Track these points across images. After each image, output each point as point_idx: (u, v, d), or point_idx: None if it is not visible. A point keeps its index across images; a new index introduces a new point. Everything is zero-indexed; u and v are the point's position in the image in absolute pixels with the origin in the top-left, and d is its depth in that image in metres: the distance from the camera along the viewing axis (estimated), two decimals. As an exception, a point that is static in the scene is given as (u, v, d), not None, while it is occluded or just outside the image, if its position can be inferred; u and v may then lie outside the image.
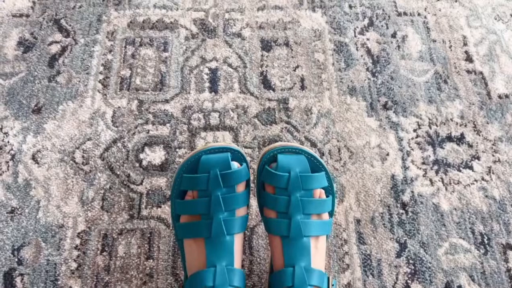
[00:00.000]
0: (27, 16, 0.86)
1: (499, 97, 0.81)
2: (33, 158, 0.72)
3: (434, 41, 0.87)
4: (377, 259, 0.67)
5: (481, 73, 0.84)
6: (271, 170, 0.53)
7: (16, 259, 0.64)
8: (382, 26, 0.88)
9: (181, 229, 0.54)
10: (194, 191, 0.53)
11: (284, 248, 0.52)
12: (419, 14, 0.90)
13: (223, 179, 0.51)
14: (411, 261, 0.67)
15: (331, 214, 0.57)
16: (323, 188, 0.55)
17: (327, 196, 0.56)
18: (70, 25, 0.85)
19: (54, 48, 0.82)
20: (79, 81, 0.79)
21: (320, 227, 0.53)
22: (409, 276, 0.66)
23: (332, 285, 0.53)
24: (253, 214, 0.69)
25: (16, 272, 0.64)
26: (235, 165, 0.53)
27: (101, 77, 0.80)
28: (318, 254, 0.53)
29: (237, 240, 0.53)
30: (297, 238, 0.51)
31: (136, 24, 0.85)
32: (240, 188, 0.54)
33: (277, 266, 0.53)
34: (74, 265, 0.65)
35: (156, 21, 0.86)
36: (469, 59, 0.85)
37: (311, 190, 0.53)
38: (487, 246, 0.68)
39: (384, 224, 0.69)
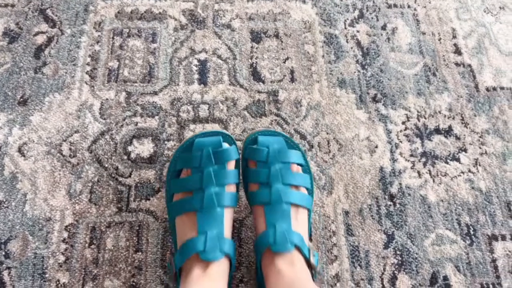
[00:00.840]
0: (12, 6, 0.84)
1: (487, 89, 0.82)
2: (19, 150, 0.71)
3: (424, 33, 0.87)
4: (365, 250, 0.67)
5: (469, 65, 0.84)
6: (252, 147, 0.61)
7: (3, 253, 0.64)
8: (372, 18, 0.88)
9: (174, 207, 0.58)
10: (187, 169, 0.58)
11: (266, 214, 0.56)
12: (409, 6, 0.90)
13: (214, 156, 0.57)
14: (398, 252, 0.68)
15: (310, 192, 0.62)
16: (300, 165, 0.62)
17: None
18: (56, 15, 0.83)
19: (40, 39, 0.81)
20: (65, 73, 0.78)
21: (298, 196, 0.58)
22: (396, 267, 0.67)
23: (314, 255, 0.56)
24: (242, 206, 0.69)
25: (3, 265, 0.63)
26: (226, 145, 0.59)
27: (88, 68, 0.78)
28: (299, 225, 0.57)
29: (227, 214, 0.57)
30: (277, 203, 0.56)
31: (124, 14, 0.84)
32: (231, 166, 0.59)
33: (259, 232, 0.56)
34: (62, 258, 0.64)
35: (145, 12, 0.85)
36: (458, 51, 0.86)
37: (288, 163, 0.60)
38: (472, 237, 0.69)
39: (372, 215, 0.70)
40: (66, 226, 0.66)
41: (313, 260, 0.55)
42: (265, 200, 0.57)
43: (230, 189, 0.58)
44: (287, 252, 0.53)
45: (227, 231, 0.56)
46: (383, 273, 0.66)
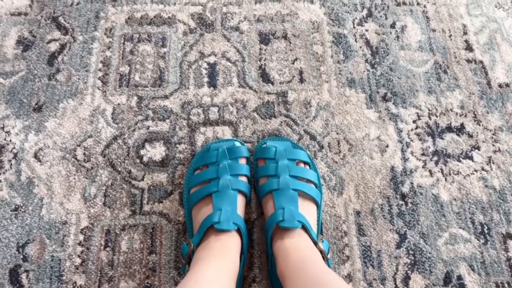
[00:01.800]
0: (26, 14, 0.86)
1: (500, 86, 0.81)
2: (35, 156, 0.73)
3: (434, 30, 0.86)
4: (377, 250, 0.67)
5: (481, 62, 0.83)
6: (262, 146, 0.69)
7: (21, 256, 0.66)
8: (381, 16, 0.88)
9: (192, 196, 0.63)
10: (205, 166, 0.66)
11: (275, 198, 0.61)
12: (418, 4, 0.89)
13: (228, 152, 0.66)
14: (411, 252, 0.67)
15: (317, 188, 0.66)
16: (306, 164, 0.67)
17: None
18: (68, 23, 0.85)
19: (53, 46, 0.82)
20: (78, 79, 0.79)
21: (306, 186, 0.63)
22: (409, 266, 0.66)
23: (322, 241, 0.59)
24: (253, 207, 0.70)
25: (22, 268, 0.65)
26: (238, 144, 0.69)
27: (100, 74, 0.80)
28: (306, 213, 0.60)
29: (240, 199, 0.63)
30: (285, 189, 0.61)
31: (134, 20, 0.85)
32: (242, 161, 0.67)
33: (269, 215, 0.61)
34: (78, 260, 0.66)
35: (154, 17, 0.86)
36: (469, 48, 0.85)
37: (294, 160, 0.66)
38: (487, 235, 0.69)
39: (383, 215, 0.70)
40: (82, 229, 0.68)
41: (321, 245, 0.58)
42: (274, 187, 0.62)
43: (243, 179, 0.65)
44: (294, 229, 0.57)
45: (239, 212, 0.61)
46: (395, 273, 0.66)
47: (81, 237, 0.67)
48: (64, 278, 0.65)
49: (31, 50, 0.82)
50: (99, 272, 0.65)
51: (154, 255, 0.66)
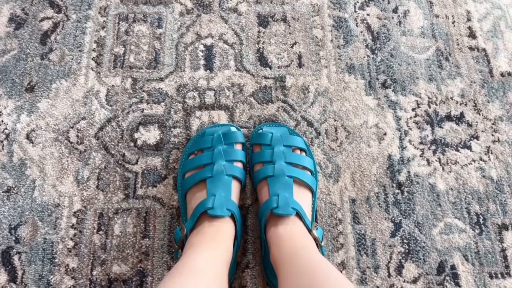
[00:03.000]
0: (18, -9, 0.83)
1: (502, 75, 0.79)
2: (28, 137, 0.72)
3: (437, 16, 0.84)
4: (371, 238, 0.67)
5: (484, 50, 0.81)
6: (258, 132, 0.68)
7: (13, 238, 0.65)
8: (383, 0, 0.85)
9: (186, 181, 0.63)
10: (200, 151, 0.66)
11: (270, 185, 0.60)
12: (422, -12, 0.87)
13: (224, 137, 0.65)
14: (405, 241, 0.67)
15: (313, 175, 0.65)
16: (302, 150, 0.67)
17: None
18: (61, 1, 0.82)
19: (46, 25, 0.80)
20: (72, 59, 0.77)
21: (301, 172, 0.62)
22: (403, 255, 0.66)
23: (316, 228, 0.58)
24: (248, 192, 0.69)
25: (14, 250, 0.65)
26: (233, 129, 0.67)
27: (94, 54, 0.78)
28: (301, 200, 0.60)
29: (235, 185, 0.62)
30: (280, 176, 0.61)
31: (129, -1, 0.83)
32: (238, 146, 0.66)
33: (263, 201, 0.61)
34: (70, 243, 0.65)
35: (150, -4, 0.83)
36: (472, 35, 0.83)
37: (290, 147, 0.65)
38: (482, 226, 0.68)
39: (379, 204, 0.69)
40: (75, 212, 0.67)
41: (315, 232, 0.57)
42: (269, 174, 0.61)
43: (238, 165, 0.64)
44: (288, 216, 0.57)
45: (234, 198, 0.61)
46: (389, 262, 0.66)
47: (74, 220, 0.67)
48: (56, 260, 0.64)
49: (23, 29, 0.80)
50: (91, 255, 0.65)
51: (147, 239, 0.66)
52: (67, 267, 0.64)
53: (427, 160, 0.72)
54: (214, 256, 0.52)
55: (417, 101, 0.77)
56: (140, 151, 0.71)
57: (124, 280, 0.64)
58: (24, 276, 0.63)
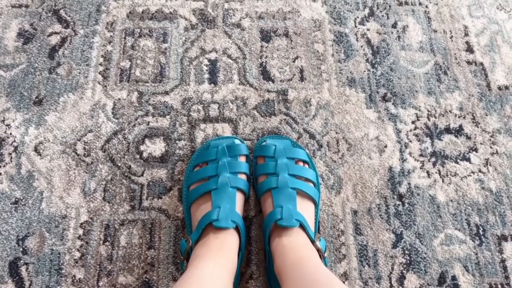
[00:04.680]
0: (27, 6, 0.85)
1: (499, 88, 0.81)
2: (36, 149, 0.73)
3: (435, 31, 0.87)
4: (373, 249, 0.68)
5: (481, 64, 0.83)
6: (261, 144, 0.70)
7: (21, 249, 0.66)
8: (382, 16, 0.88)
9: (191, 193, 0.64)
10: (204, 163, 0.67)
11: (274, 197, 0.62)
12: (420, 4, 0.89)
13: (228, 149, 0.66)
14: (406, 252, 0.68)
15: (316, 187, 0.67)
16: (305, 163, 0.68)
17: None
18: (69, 16, 0.84)
19: (54, 39, 0.82)
20: (79, 73, 0.79)
21: (304, 184, 0.63)
22: (405, 266, 0.67)
23: (320, 239, 0.59)
24: (251, 204, 0.70)
25: (21, 261, 0.66)
26: (237, 141, 0.69)
27: (101, 68, 0.80)
28: (304, 212, 0.61)
29: (239, 197, 0.63)
30: (284, 188, 0.62)
31: (135, 14, 0.85)
32: (242, 159, 0.68)
33: (267, 213, 0.62)
34: (77, 254, 0.66)
35: (155, 11, 0.86)
36: (469, 49, 0.85)
37: (293, 159, 0.67)
38: (482, 237, 0.70)
39: (380, 215, 0.70)
40: (81, 224, 0.68)
41: (318, 243, 0.58)
42: (273, 185, 0.63)
43: (242, 177, 0.66)
44: (292, 228, 0.58)
45: (238, 210, 0.62)
46: (391, 272, 0.67)
47: (81, 231, 0.68)
48: (63, 271, 0.65)
49: (31, 43, 0.82)
50: (98, 266, 0.66)
51: (152, 250, 0.67)
52: (73, 278, 0.65)
53: (427, 172, 0.74)
54: (219, 267, 0.53)
55: (416, 114, 0.78)
56: (146, 163, 0.73)
57: (130, 291, 0.65)
58: (31, 287, 0.64)
